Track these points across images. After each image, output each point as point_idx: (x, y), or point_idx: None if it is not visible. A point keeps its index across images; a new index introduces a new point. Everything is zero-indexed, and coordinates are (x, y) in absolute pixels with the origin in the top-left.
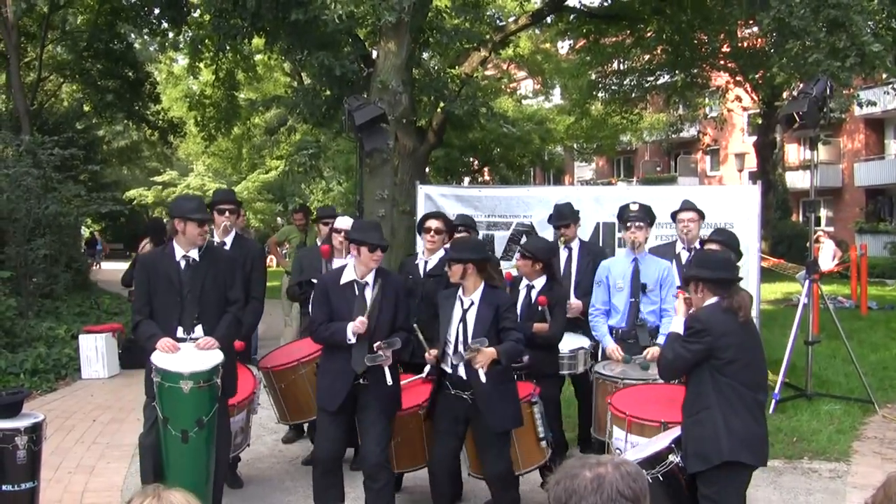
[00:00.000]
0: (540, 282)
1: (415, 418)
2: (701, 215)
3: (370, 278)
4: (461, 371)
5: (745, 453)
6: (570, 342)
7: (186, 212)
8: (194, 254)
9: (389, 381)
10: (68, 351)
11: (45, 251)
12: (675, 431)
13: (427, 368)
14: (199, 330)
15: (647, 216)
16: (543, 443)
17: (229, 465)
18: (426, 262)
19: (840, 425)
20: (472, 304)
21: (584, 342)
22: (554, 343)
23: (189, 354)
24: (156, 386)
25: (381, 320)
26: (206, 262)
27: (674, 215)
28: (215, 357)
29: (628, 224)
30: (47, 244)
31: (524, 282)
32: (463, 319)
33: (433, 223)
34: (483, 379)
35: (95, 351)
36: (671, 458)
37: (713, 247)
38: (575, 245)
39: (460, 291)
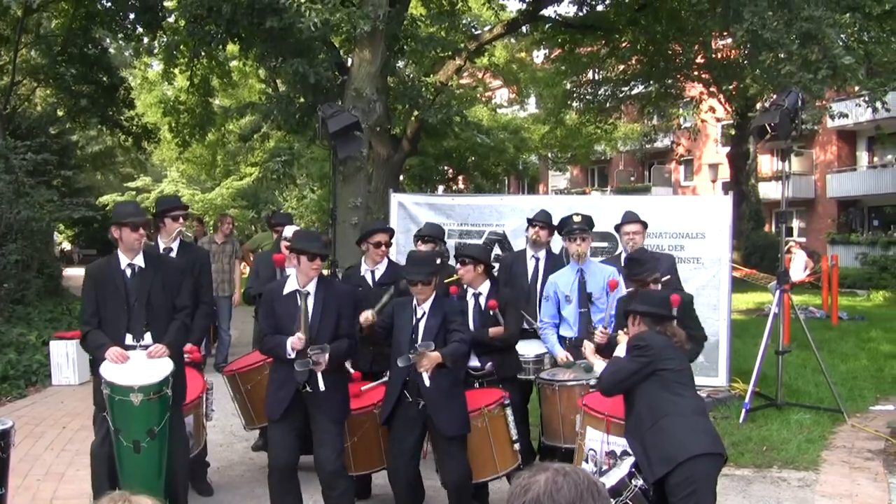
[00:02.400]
0: (485, 287)
1: (370, 417)
2: (644, 226)
3: (312, 287)
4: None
5: (708, 445)
6: (535, 348)
7: (121, 217)
8: (139, 261)
9: (322, 386)
10: (39, 357)
11: (17, 257)
12: (629, 458)
13: (387, 375)
14: (148, 337)
15: (588, 227)
16: (516, 445)
17: (196, 472)
18: (373, 272)
19: (810, 434)
20: (424, 313)
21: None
22: (512, 343)
23: (139, 365)
24: (106, 398)
25: (322, 328)
26: (152, 270)
27: (618, 227)
28: (165, 367)
29: (572, 236)
30: (19, 249)
31: (469, 291)
32: (415, 328)
33: (383, 237)
34: (427, 383)
35: (66, 357)
36: (633, 482)
37: (631, 227)
38: (542, 255)
39: (415, 301)
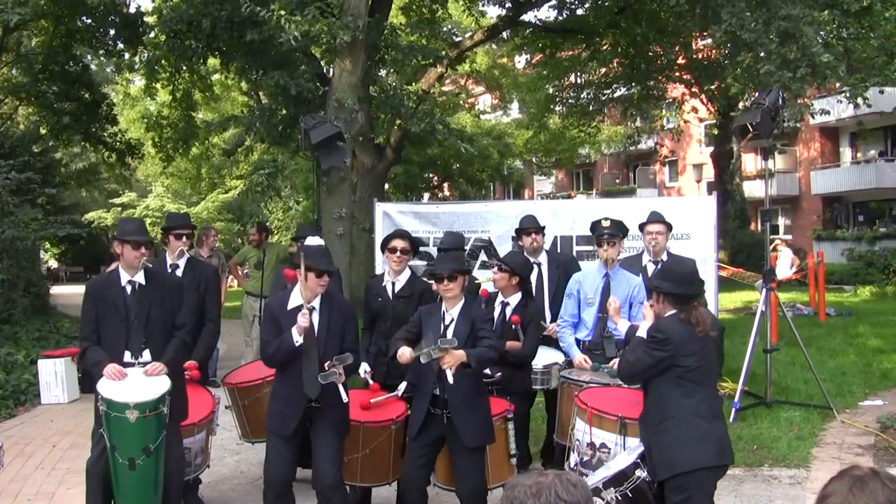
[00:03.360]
0: (515, 299)
1: (386, 432)
2: (668, 227)
3: (316, 303)
4: (437, 390)
5: (712, 457)
6: (544, 357)
7: (123, 234)
8: (140, 278)
9: (345, 398)
10: (27, 376)
11: (3, 276)
12: (639, 448)
13: (402, 387)
14: (146, 354)
15: (619, 231)
16: (513, 459)
17: (188, 487)
18: (394, 284)
19: (800, 432)
20: (453, 319)
21: (558, 357)
22: (526, 362)
23: (136, 382)
24: (102, 414)
25: (328, 344)
26: (152, 287)
27: (641, 227)
28: (162, 385)
29: (601, 240)
30: (5, 269)
31: (499, 298)
32: (444, 335)
33: (399, 243)
34: (451, 380)
35: (55, 376)
36: (638, 473)
37: (655, 227)
38: (543, 259)
39: (444, 307)
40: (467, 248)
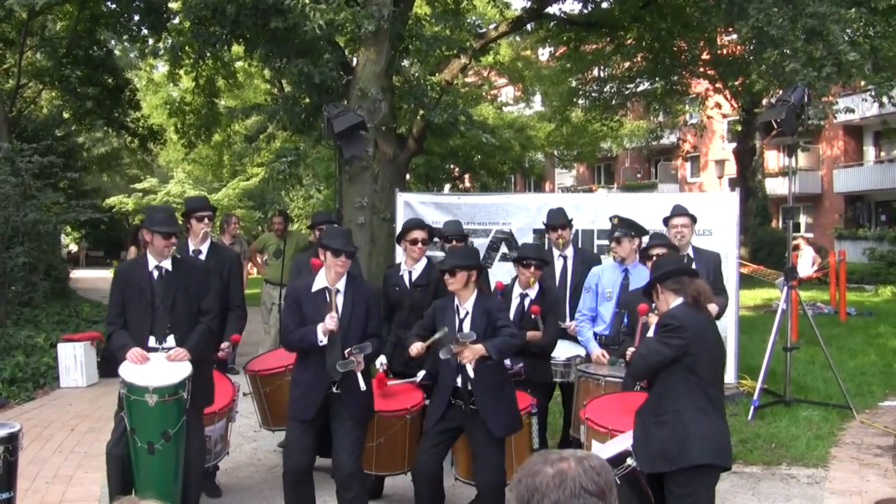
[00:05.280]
0: (533, 290)
1: (400, 421)
2: (693, 220)
3: (341, 285)
4: (459, 381)
5: (714, 456)
6: (566, 350)
7: (153, 224)
8: (167, 264)
9: (363, 386)
10: (47, 360)
11: (24, 259)
12: (628, 436)
13: (420, 374)
14: (171, 340)
15: (630, 229)
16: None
17: (207, 474)
18: (410, 273)
19: (818, 431)
20: (467, 313)
21: (580, 350)
22: (548, 351)
23: (157, 367)
24: (123, 397)
25: (351, 327)
26: (179, 273)
27: (666, 220)
28: (183, 370)
29: (612, 239)
30: (26, 252)
31: (517, 290)
32: (460, 329)
33: (419, 234)
34: (471, 374)
35: (74, 360)
36: (629, 461)
37: (659, 251)
38: (569, 253)
39: (456, 301)
40: (488, 239)
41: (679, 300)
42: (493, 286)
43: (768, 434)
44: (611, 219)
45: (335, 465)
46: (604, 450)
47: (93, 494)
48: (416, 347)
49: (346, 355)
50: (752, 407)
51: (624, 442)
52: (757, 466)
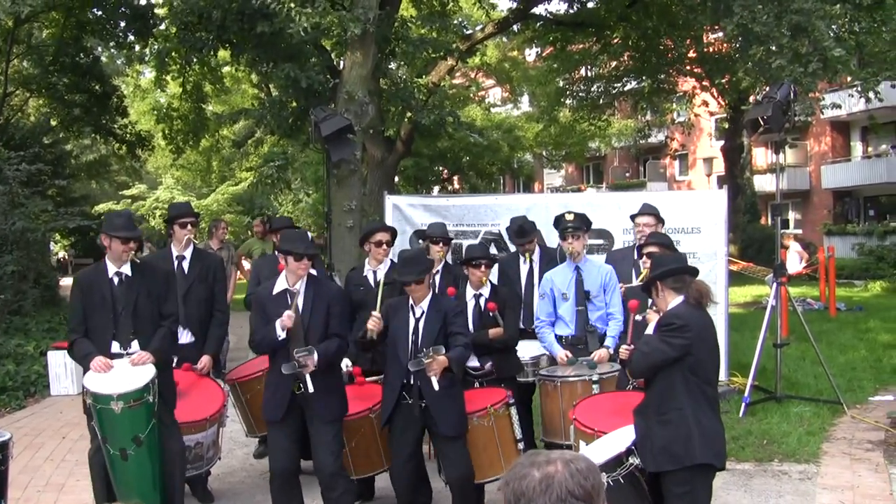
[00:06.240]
0: (486, 289)
1: (367, 421)
2: (659, 219)
3: (301, 286)
4: (410, 379)
5: (714, 457)
6: (531, 349)
7: (111, 229)
8: (126, 269)
9: (311, 388)
10: (37, 368)
11: (13, 267)
12: (630, 432)
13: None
14: (135, 345)
15: (583, 224)
16: (520, 444)
17: (198, 479)
18: (375, 273)
19: (810, 427)
20: (423, 312)
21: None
22: (512, 345)
23: (121, 373)
24: (90, 407)
25: (312, 327)
26: (139, 277)
27: (633, 217)
28: (146, 374)
29: (565, 234)
30: (15, 260)
31: (470, 292)
32: (416, 329)
33: (382, 236)
34: (436, 387)
35: (64, 367)
36: (631, 460)
37: (652, 250)
38: (535, 256)
39: (410, 300)
40: (478, 240)
41: (680, 298)
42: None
43: (760, 431)
44: (565, 213)
45: (316, 467)
46: (604, 450)
47: (84, 502)
48: (375, 321)
49: (294, 357)
50: (744, 404)
51: (623, 441)
52: (749, 463)
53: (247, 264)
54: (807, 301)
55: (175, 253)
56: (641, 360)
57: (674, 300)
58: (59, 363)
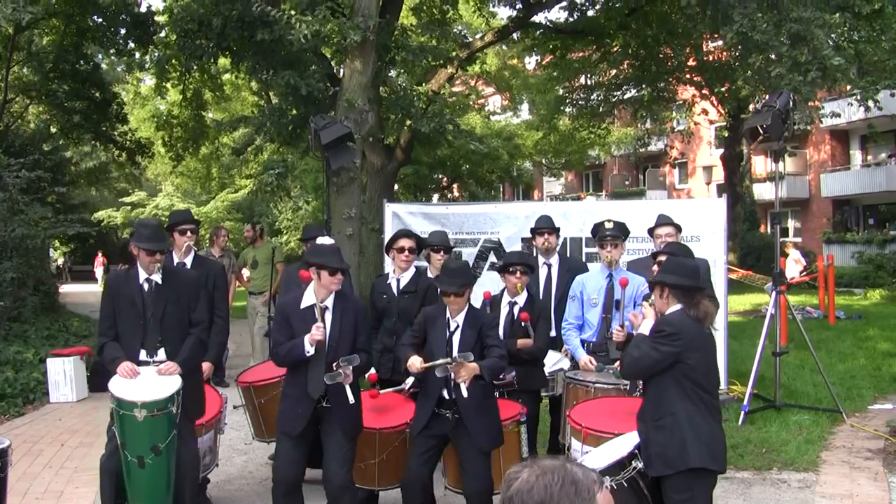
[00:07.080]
0: (522, 297)
1: (401, 436)
2: (678, 229)
3: (330, 302)
4: (445, 392)
5: (710, 460)
6: (549, 363)
7: (139, 240)
8: (157, 277)
9: (351, 399)
10: (36, 375)
11: (13, 274)
12: (634, 437)
13: (409, 381)
14: (161, 353)
15: (621, 233)
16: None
17: (198, 487)
18: (398, 280)
19: (809, 435)
20: (458, 326)
21: (564, 364)
22: (540, 357)
23: (147, 381)
24: (113, 412)
25: (340, 343)
26: (169, 285)
27: (651, 231)
28: (172, 384)
29: (603, 242)
30: (14, 267)
31: (506, 298)
32: (449, 342)
33: (406, 242)
34: (465, 394)
35: (63, 374)
36: (634, 463)
37: (665, 230)
38: (554, 261)
39: (448, 313)
40: (477, 248)
41: (679, 306)
42: (481, 296)
43: (759, 439)
44: (605, 221)
45: (326, 478)
46: (608, 454)
47: None
48: (416, 365)
49: (335, 367)
50: (743, 412)
51: (627, 445)
52: (748, 471)
53: (245, 272)
54: (806, 309)
55: (175, 260)
56: (631, 363)
57: (673, 306)
58: (58, 370)
